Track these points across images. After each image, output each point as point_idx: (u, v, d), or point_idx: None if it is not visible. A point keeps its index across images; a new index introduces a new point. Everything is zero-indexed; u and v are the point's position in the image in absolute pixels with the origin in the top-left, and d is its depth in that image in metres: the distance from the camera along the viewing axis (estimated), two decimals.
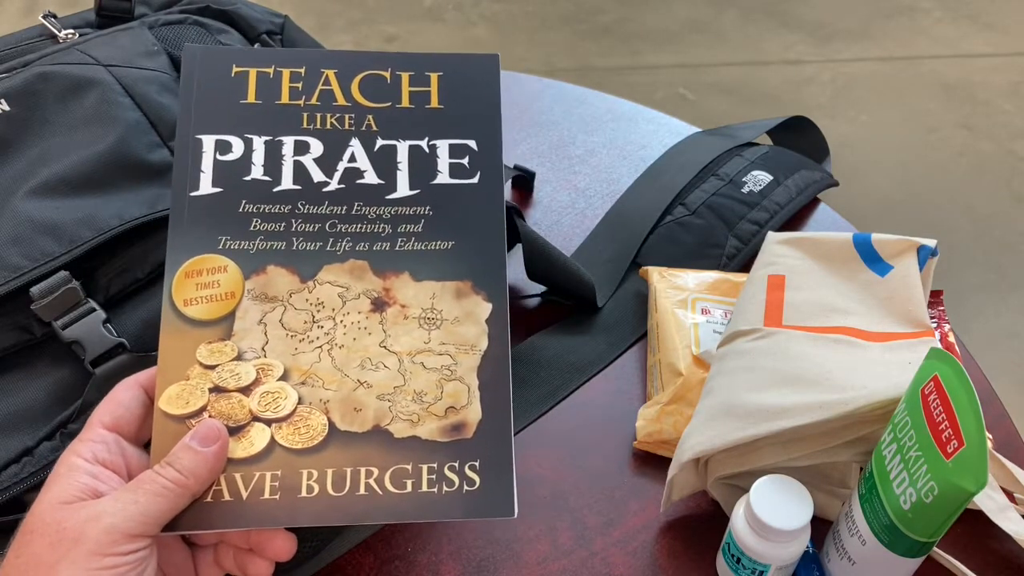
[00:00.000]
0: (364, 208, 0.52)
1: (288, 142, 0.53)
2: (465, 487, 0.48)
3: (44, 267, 0.54)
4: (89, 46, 0.62)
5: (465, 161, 0.54)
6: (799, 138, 0.88)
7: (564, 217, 0.81)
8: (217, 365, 0.49)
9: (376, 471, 0.48)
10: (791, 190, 0.80)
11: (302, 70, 0.54)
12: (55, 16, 0.67)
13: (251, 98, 0.53)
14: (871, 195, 1.87)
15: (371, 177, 0.53)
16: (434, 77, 0.55)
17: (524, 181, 0.83)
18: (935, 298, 0.69)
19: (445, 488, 0.48)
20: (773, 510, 0.52)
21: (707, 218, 0.77)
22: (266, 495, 0.47)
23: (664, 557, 0.59)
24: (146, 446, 0.48)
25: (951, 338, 0.68)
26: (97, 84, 0.60)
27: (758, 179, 0.80)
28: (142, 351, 0.54)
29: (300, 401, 0.49)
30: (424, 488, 0.48)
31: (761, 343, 0.59)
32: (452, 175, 0.54)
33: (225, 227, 0.51)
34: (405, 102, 0.55)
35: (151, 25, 0.66)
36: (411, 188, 0.53)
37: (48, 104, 0.59)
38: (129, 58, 0.62)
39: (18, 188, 0.56)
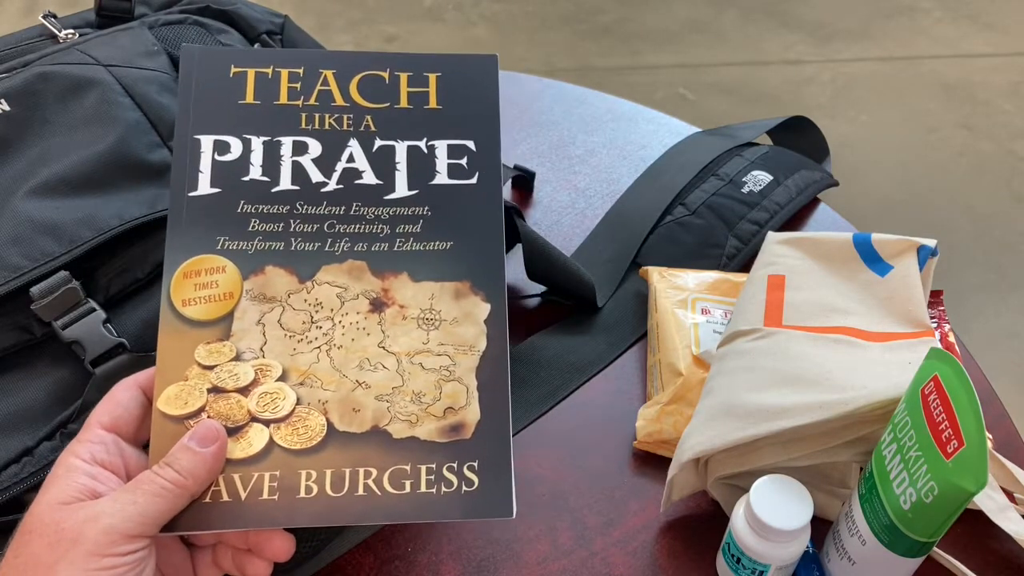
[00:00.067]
0: (362, 208, 0.52)
1: (286, 142, 0.53)
2: (464, 488, 0.48)
3: (44, 267, 0.54)
4: (89, 46, 0.62)
5: (464, 162, 0.54)
6: (799, 138, 0.88)
7: (564, 217, 0.81)
8: (215, 365, 0.49)
9: (375, 472, 0.48)
10: (791, 190, 0.80)
11: (300, 70, 0.54)
12: (55, 16, 0.67)
13: (249, 98, 0.53)
14: (871, 195, 1.87)
15: (369, 177, 0.53)
16: (433, 78, 0.55)
17: (524, 181, 0.83)
18: (935, 298, 0.69)
19: (444, 488, 0.48)
20: (773, 510, 0.52)
21: (707, 218, 0.77)
22: (264, 495, 0.47)
23: (664, 557, 0.59)
24: (145, 447, 0.48)
25: (951, 338, 0.68)
26: (97, 84, 0.60)
27: (758, 179, 0.80)
28: (142, 351, 0.54)
29: (299, 402, 0.49)
30: (423, 489, 0.48)
31: (761, 343, 0.58)
32: (451, 176, 0.54)
33: (223, 227, 0.51)
34: (404, 102, 0.55)
35: (151, 25, 0.66)
36: (410, 188, 0.53)
37: (48, 104, 0.59)
38: (129, 58, 0.62)
39: (18, 188, 0.56)
